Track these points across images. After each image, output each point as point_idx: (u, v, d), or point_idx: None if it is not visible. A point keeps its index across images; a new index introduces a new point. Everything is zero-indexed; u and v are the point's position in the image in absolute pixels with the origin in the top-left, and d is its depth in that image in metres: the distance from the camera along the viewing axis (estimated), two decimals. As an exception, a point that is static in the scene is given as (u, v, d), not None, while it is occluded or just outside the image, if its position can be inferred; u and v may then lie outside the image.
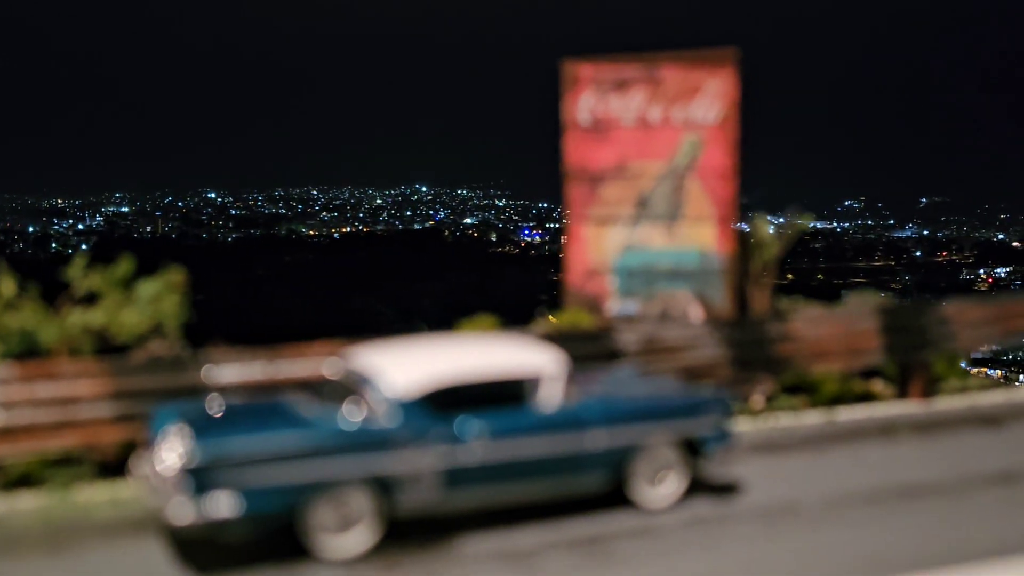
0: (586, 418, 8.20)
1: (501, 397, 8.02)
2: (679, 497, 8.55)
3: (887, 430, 11.57)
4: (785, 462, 10.13)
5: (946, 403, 12.94)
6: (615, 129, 13.45)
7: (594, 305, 13.46)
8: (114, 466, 9.36)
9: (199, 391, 9.64)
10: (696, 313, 12.91)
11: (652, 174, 13.36)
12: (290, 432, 7.40)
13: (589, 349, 11.09)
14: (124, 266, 11.11)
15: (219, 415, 8.00)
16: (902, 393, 13.19)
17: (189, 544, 7.53)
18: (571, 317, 12.98)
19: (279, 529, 7.33)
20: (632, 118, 13.37)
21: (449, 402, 7.78)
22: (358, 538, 7.45)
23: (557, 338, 11.05)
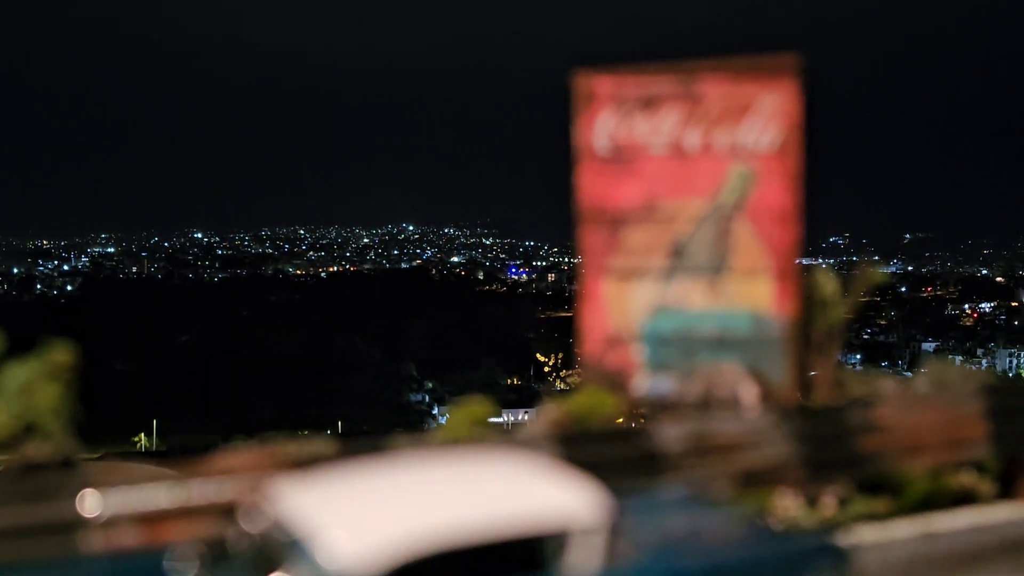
0: (640, 596, 5.34)
1: (508, 567, 5.17)
2: None
3: (1010, 549, 8.80)
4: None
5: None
6: (642, 159, 10.57)
7: (617, 382, 10.53)
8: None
9: (73, 529, 6.80)
10: (749, 393, 10.05)
11: (690, 215, 10.47)
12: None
13: (619, 452, 8.27)
14: (-7, 343, 8.24)
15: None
16: (1006, 491, 10.43)
17: None
18: (589, 399, 10.08)
19: None
20: (664, 144, 10.49)
21: (428, 582, 4.92)
22: None
23: (576, 439, 8.23)
